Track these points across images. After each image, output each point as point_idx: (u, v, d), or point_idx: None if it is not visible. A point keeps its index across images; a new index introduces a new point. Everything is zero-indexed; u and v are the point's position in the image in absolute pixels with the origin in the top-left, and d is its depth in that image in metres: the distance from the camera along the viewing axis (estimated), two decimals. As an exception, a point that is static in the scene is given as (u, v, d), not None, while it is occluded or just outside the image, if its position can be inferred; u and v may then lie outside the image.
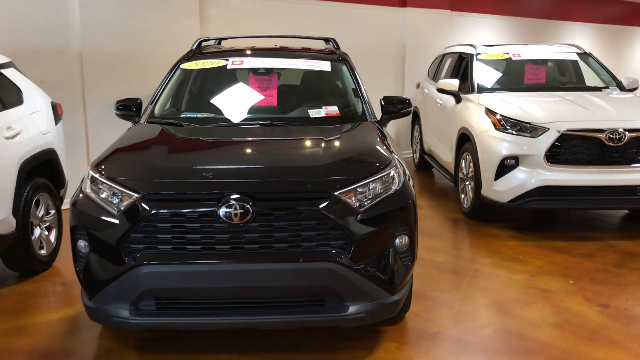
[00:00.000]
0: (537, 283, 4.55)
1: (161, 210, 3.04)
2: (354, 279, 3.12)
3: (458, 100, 6.83)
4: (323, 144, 3.57)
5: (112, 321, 3.13)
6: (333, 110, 4.33)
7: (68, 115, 6.29)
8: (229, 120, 4.22)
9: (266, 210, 3.03)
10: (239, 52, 4.87)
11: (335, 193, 3.11)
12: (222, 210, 2.98)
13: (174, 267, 3.04)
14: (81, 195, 3.30)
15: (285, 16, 8.44)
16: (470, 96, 6.62)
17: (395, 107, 4.56)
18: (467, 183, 6.28)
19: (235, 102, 4.59)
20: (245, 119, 4.23)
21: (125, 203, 3.09)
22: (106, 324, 3.23)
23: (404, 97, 4.76)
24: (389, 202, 3.29)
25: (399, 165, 3.48)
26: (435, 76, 8.51)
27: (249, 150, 3.64)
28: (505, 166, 5.62)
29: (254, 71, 4.77)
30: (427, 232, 5.83)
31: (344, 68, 4.79)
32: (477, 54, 7.18)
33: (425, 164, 8.60)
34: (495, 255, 5.22)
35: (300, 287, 3.09)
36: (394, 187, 3.35)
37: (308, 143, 3.74)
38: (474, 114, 6.23)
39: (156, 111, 4.35)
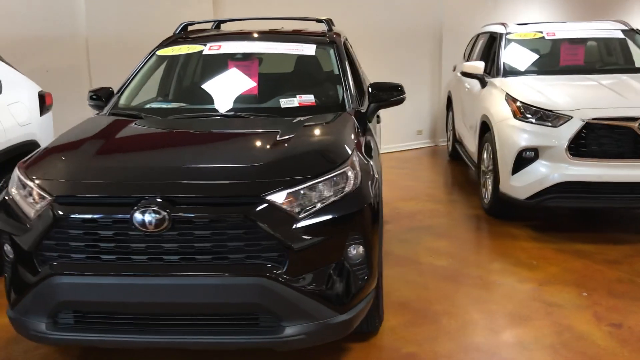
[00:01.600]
0: (544, 294, 3.99)
1: (72, 215, 2.72)
2: (290, 296, 2.71)
3: (483, 84, 6.22)
4: (273, 140, 3.15)
5: (30, 335, 2.86)
6: (308, 99, 3.90)
7: (74, 103, 6.11)
8: (193, 111, 3.88)
9: (186, 217, 2.66)
10: (218, 37, 4.52)
11: (268, 197, 2.70)
12: (136, 217, 2.63)
13: (88, 279, 2.72)
14: (6, 196, 3.04)
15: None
16: (495, 80, 6.00)
17: (385, 94, 4.09)
18: (488, 177, 5.70)
19: (207, 91, 4.24)
20: (211, 110, 3.87)
21: (38, 206, 2.80)
22: (26, 337, 2.96)
23: (395, 83, 4.26)
24: (338, 207, 2.84)
25: (356, 165, 3.02)
26: (468, 58, 7.87)
27: (184, 148, 3.27)
28: (523, 159, 5.01)
29: (232, 57, 4.39)
30: (436, 231, 5.32)
31: (331, 52, 4.33)
32: (507, 33, 6.52)
33: (457, 153, 7.99)
34: (505, 259, 4.66)
35: (227, 305, 2.71)
36: (348, 189, 2.90)
37: (257, 138, 3.33)
38: (495, 100, 5.62)
39: (122, 101, 4.05)
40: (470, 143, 6.58)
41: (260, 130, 3.43)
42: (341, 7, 8.26)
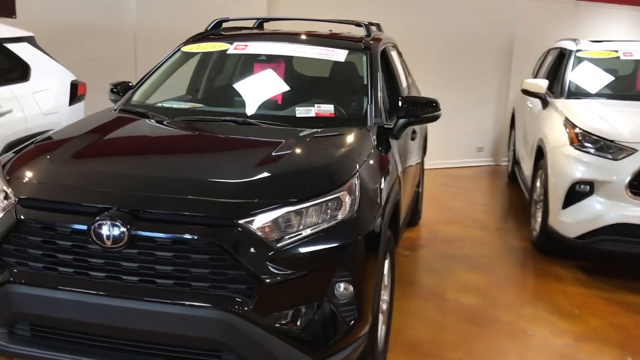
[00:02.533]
0: (579, 353, 3.47)
1: (31, 220, 2.49)
2: (257, 337, 2.37)
3: (544, 104, 5.65)
4: (267, 154, 2.81)
5: None
6: (326, 110, 3.53)
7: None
8: (201, 114, 3.61)
9: (148, 235, 2.37)
10: (247, 36, 4.22)
11: (241, 221, 2.37)
12: (94, 229, 2.37)
13: (43, 291, 2.48)
14: None
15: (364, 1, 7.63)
16: (557, 101, 5.43)
17: (418, 110, 3.68)
18: (538, 207, 5.15)
19: (224, 93, 3.97)
20: (220, 114, 3.57)
21: (3, 206, 2.60)
22: (-15, 345, 2.75)
23: (431, 98, 3.84)
24: (326, 237, 2.48)
25: (356, 189, 2.64)
26: (536, 75, 7.26)
27: (168, 155, 2.99)
28: (576, 192, 4.46)
29: (256, 58, 4.11)
30: (472, 262, 4.83)
31: (364, 59, 3.95)
32: (577, 51, 5.90)
33: (515, 175, 7.40)
34: (543, 303, 4.14)
35: (186, 338, 2.40)
36: (341, 217, 2.53)
37: (250, 151, 3.00)
38: (553, 123, 5.06)
39: (135, 98, 3.82)
40: (527, 167, 6.02)
41: (259, 142, 3.11)
42: (405, 13, 7.85)
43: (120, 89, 3.96)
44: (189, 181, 2.57)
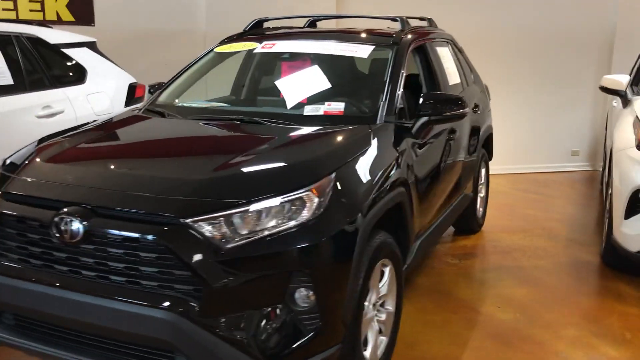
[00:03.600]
0: (613, 384, 3.04)
1: (9, 213, 2.59)
2: (204, 341, 2.29)
3: (625, 103, 5.08)
4: (240, 153, 2.72)
5: None
6: (336, 108, 3.38)
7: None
8: (214, 112, 3.59)
9: (102, 231, 2.37)
10: (277, 35, 4.17)
11: (187, 220, 2.30)
12: (55, 223, 2.41)
13: (14, 282, 2.56)
14: None
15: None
16: (636, 99, 4.85)
17: (440, 107, 3.44)
18: (607, 216, 4.63)
19: (245, 92, 3.95)
20: (233, 112, 3.55)
21: None
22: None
23: (455, 95, 3.59)
24: (284, 239, 2.36)
25: (327, 190, 2.48)
26: (635, 73, 6.55)
27: (147, 153, 2.99)
28: (638, 201, 3.94)
29: (281, 56, 4.05)
30: (524, 275, 4.43)
31: (390, 55, 3.74)
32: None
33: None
34: (591, 324, 3.69)
35: (137, 337, 2.37)
36: (304, 219, 2.39)
37: (229, 149, 2.92)
38: (624, 123, 4.53)
39: (161, 98, 3.90)
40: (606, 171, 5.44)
41: (241, 141, 3.03)
42: (489, 8, 7.44)
43: (154, 90, 4.06)
44: (148, 178, 2.55)
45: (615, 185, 4.19)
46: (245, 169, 2.60)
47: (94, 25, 6.38)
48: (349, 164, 2.73)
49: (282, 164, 2.67)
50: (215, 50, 4.23)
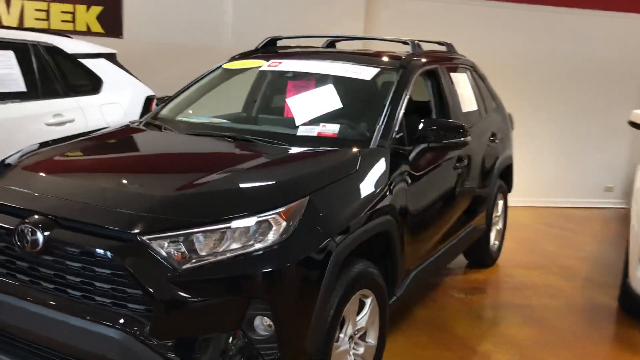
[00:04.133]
0: None
1: (-21, 220, 2.58)
2: (154, 363, 2.21)
3: (654, 139, 4.82)
4: (212, 171, 2.64)
5: None
6: (330, 130, 3.28)
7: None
8: (206, 128, 3.54)
9: (60, 243, 2.33)
10: (284, 54, 4.11)
11: (144, 238, 2.23)
12: (17, 232, 2.38)
13: (-20, 290, 2.54)
14: None
15: (474, 21, 7.15)
16: (665, 136, 4.60)
17: (440, 134, 3.31)
18: (624, 259, 4.36)
19: (246, 108, 3.90)
20: (226, 129, 3.49)
21: None
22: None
23: (458, 123, 3.45)
24: (243, 263, 2.27)
25: (296, 214, 2.38)
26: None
27: (120, 166, 2.95)
28: (655, 244, 3.70)
29: (285, 75, 4.02)
30: (531, 315, 4.20)
31: (395, 78, 3.63)
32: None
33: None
34: (594, 374, 3.45)
35: (85, 354, 2.31)
36: (266, 243, 2.29)
37: (200, 167, 2.84)
38: (647, 160, 4.28)
39: (164, 111, 3.88)
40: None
41: (220, 159, 2.97)
42: (526, 36, 7.24)
43: (160, 103, 4.06)
44: (112, 192, 2.50)
45: (633, 225, 3.95)
46: (213, 188, 2.51)
47: (122, 38, 6.48)
48: (326, 188, 2.62)
49: (254, 184, 2.60)
50: (223, 66, 4.20)
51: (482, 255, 5.01)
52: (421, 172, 3.41)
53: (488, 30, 7.20)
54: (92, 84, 4.90)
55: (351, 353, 2.82)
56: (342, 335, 2.73)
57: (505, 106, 5.45)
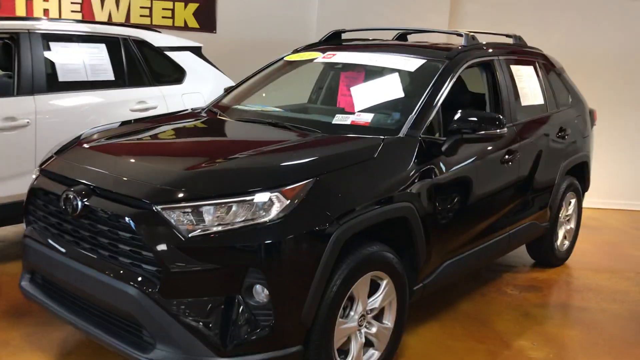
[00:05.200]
0: None
1: (39, 187, 3.00)
2: (160, 319, 2.49)
3: None
4: (232, 152, 2.89)
5: (20, 286, 3.20)
6: (363, 119, 3.41)
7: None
8: (255, 115, 3.78)
9: (96, 209, 2.67)
10: (340, 47, 4.27)
11: (158, 207, 2.51)
12: (62, 198, 2.76)
13: (36, 245, 2.97)
14: None
15: (564, 12, 6.88)
16: None
17: (473, 125, 3.33)
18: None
19: (313, 98, 4.14)
20: (271, 116, 3.71)
21: (34, 174, 3.16)
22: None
23: (494, 114, 3.44)
24: (243, 235, 2.48)
25: (297, 194, 2.56)
26: None
27: (161, 144, 3.27)
28: None
29: (336, 67, 4.19)
30: (582, 318, 4.07)
31: (439, 69, 3.67)
32: None
33: None
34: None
35: (110, 306, 2.64)
36: (266, 218, 2.50)
37: (228, 148, 3.08)
38: None
39: (225, 99, 4.19)
40: None
41: (250, 142, 3.20)
42: (618, 27, 6.86)
43: (227, 90, 4.39)
44: (141, 167, 2.82)
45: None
46: (226, 167, 2.76)
47: (215, 32, 6.95)
48: (336, 172, 2.77)
49: (266, 165, 2.80)
50: (285, 58, 4.44)
51: (546, 255, 4.87)
52: (455, 164, 3.43)
53: (577, 25, 6.90)
54: (175, 75, 5.34)
55: (362, 331, 2.94)
56: (352, 313, 2.86)
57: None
